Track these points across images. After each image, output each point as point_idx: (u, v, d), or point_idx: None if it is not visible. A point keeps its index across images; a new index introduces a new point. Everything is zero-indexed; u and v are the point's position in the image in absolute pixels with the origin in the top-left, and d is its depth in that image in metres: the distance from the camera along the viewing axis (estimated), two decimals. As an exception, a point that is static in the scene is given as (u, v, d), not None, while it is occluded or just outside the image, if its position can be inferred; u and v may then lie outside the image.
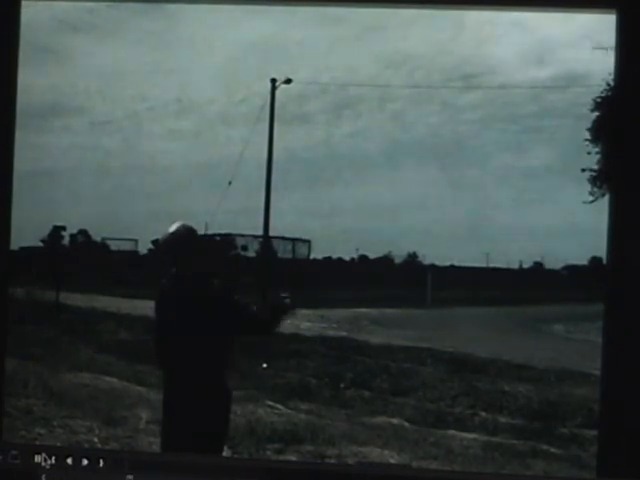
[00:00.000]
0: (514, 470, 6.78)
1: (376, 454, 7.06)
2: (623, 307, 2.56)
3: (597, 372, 2.80)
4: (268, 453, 6.93)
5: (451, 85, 16.07)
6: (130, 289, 14.80)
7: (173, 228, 4.35)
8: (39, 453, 2.46)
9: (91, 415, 7.71)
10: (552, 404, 9.06)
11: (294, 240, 19.26)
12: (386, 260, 20.69)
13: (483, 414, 8.69)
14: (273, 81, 16.46)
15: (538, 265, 20.47)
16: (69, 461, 2.46)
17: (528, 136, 16.25)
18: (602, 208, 2.72)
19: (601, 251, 2.65)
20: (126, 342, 11.16)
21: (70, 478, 2.46)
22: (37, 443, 6.44)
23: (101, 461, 2.45)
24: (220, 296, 4.36)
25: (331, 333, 13.60)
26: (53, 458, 2.46)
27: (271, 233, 17.81)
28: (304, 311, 15.58)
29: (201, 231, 4.55)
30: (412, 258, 20.74)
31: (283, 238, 19.15)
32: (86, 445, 6.76)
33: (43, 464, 2.45)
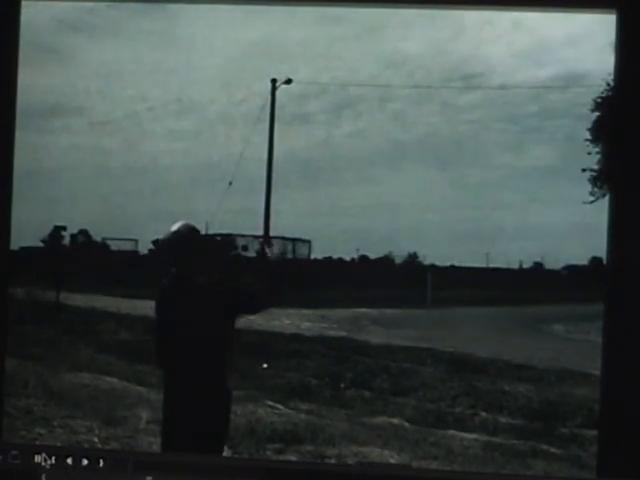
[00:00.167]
0: (514, 470, 6.78)
1: (376, 454, 7.07)
2: (623, 307, 2.56)
3: (597, 372, 2.80)
4: (268, 453, 6.94)
5: (451, 85, 16.05)
6: (130, 289, 14.79)
7: (175, 227, 4.35)
8: (39, 453, 2.46)
9: (91, 415, 7.71)
10: (552, 404, 9.06)
11: (294, 240, 19.25)
12: (386, 260, 20.67)
13: (483, 414, 8.69)
14: (273, 81, 16.46)
15: (538, 265, 20.45)
16: (69, 461, 2.46)
17: (528, 136, 16.23)
18: (602, 208, 2.72)
19: (601, 251, 2.65)
20: (126, 342, 11.16)
21: (70, 478, 2.46)
22: (37, 443, 6.45)
23: (101, 461, 2.45)
24: (220, 295, 4.36)
25: (331, 333, 13.59)
26: (53, 458, 2.46)
27: (271, 233, 17.81)
28: (304, 311, 15.60)
29: (201, 231, 4.54)
30: (412, 258, 20.72)
31: (283, 238, 19.14)
32: (86, 445, 6.77)
33: (43, 464, 2.45)
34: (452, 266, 19.42)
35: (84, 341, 11.27)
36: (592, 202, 3.11)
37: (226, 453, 5.19)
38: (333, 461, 6.72)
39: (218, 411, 4.32)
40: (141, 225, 16.48)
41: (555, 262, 19.43)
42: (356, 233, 17.49)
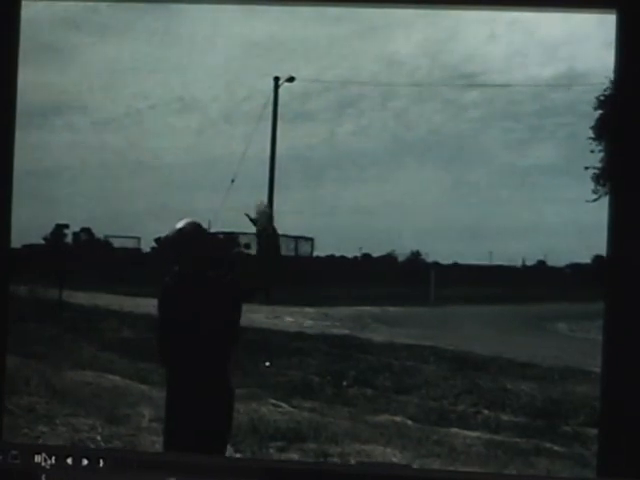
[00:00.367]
0: (517, 468, 6.78)
1: (379, 452, 7.07)
2: (623, 306, 2.56)
3: (600, 370, 2.80)
4: (271, 451, 6.94)
5: (453, 83, 16.06)
6: (133, 287, 14.80)
7: (180, 225, 4.35)
8: (39, 453, 2.46)
9: (94, 413, 7.71)
10: (555, 402, 9.05)
11: (297, 238, 19.26)
12: (389, 258, 20.69)
13: (486, 412, 8.69)
14: (276, 79, 16.48)
15: (541, 263, 20.46)
16: (69, 461, 2.46)
17: (530, 134, 16.23)
18: (605, 206, 2.72)
19: (604, 249, 2.65)
20: (129, 340, 11.17)
21: (70, 478, 2.46)
22: (40, 441, 6.46)
23: (101, 461, 2.45)
24: (223, 294, 4.36)
25: (334, 331, 13.60)
26: (53, 458, 2.46)
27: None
28: (307, 309, 15.61)
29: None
30: (415, 256, 20.74)
31: (286, 236, 19.16)
32: (88, 443, 6.78)
33: (43, 464, 2.45)
34: (455, 264, 19.44)
35: (87, 339, 11.28)
36: (594, 200, 3.10)
37: (229, 451, 5.19)
38: (336, 459, 6.73)
39: (221, 409, 4.31)
40: (143, 223, 16.52)
41: (558, 260, 19.43)
42: (359, 231, 17.52)
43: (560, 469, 6.86)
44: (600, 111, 3.06)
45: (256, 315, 13.01)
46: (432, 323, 15.03)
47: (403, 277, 19.19)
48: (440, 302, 17.60)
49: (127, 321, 12.52)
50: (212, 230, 15.05)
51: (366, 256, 20.66)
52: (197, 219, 4.43)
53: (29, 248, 14.03)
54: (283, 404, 8.58)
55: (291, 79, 16.17)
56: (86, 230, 18.18)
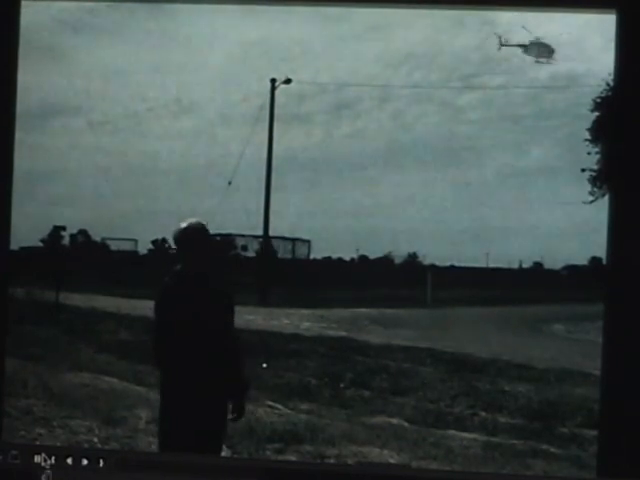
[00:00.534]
0: (514, 470, 6.78)
1: (376, 454, 7.06)
2: (623, 307, 2.56)
3: (597, 372, 2.80)
4: (268, 453, 6.94)
5: (451, 85, 16.06)
6: (130, 289, 14.78)
7: (185, 224, 4.35)
8: (39, 453, 2.46)
9: (91, 415, 7.71)
10: (552, 404, 9.06)
11: (294, 240, 19.25)
12: (386, 260, 20.65)
13: (483, 414, 8.69)
14: (273, 81, 16.47)
15: (538, 265, 20.45)
16: (69, 461, 2.46)
17: (528, 136, 16.21)
18: (602, 208, 2.72)
19: (601, 251, 2.65)
20: (126, 342, 11.16)
21: (70, 478, 2.46)
22: (37, 443, 6.45)
23: (101, 461, 2.45)
24: (222, 299, 4.37)
25: (331, 333, 13.59)
26: (53, 458, 2.46)
27: (271, 233, 17.82)
28: (304, 311, 15.59)
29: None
30: (412, 258, 20.71)
31: (283, 238, 19.15)
32: (86, 445, 6.77)
33: (43, 464, 2.45)
34: (452, 266, 19.42)
35: (84, 341, 11.27)
36: (592, 202, 3.11)
37: (225, 453, 5.19)
38: (333, 461, 6.72)
39: (217, 411, 4.31)
40: (140, 225, 16.48)
41: (555, 262, 19.41)
42: (356, 233, 17.49)
43: (557, 471, 6.86)
44: (597, 113, 3.07)
45: (253, 317, 13.01)
46: (429, 325, 15.02)
47: (400, 279, 19.17)
48: (437, 304, 17.59)
49: (124, 323, 12.50)
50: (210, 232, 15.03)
51: (363, 258, 20.64)
52: (202, 220, 4.45)
53: (26, 250, 14.00)
54: (280, 406, 8.57)
55: (288, 81, 16.17)
56: (83, 232, 18.15)
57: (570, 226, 13.14)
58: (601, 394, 2.63)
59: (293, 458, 6.76)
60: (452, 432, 7.95)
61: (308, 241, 19.01)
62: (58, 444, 6.72)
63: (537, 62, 9.49)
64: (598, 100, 3.13)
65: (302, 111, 18.77)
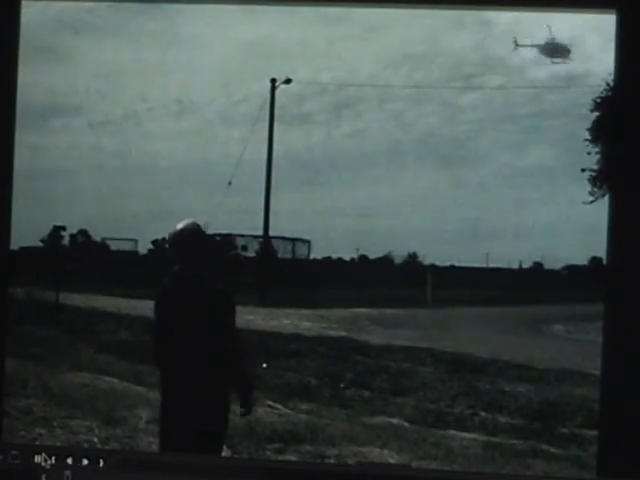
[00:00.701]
0: (514, 470, 6.78)
1: (376, 454, 7.06)
2: (623, 307, 2.56)
3: (597, 372, 2.80)
4: (268, 453, 6.94)
5: (451, 85, 16.05)
6: (130, 289, 14.78)
7: (181, 225, 4.35)
8: (39, 453, 2.46)
9: (91, 415, 7.71)
10: (552, 404, 9.06)
11: (294, 240, 19.25)
12: (386, 260, 20.65)
13: (483, 414, 8.69)
14: (273, 81, 16.47)
15: (538, 265, 20.44)
16: (69, 461, 2.46)
17: (528, 136, 16.20)
18: (602, 208, 2.72)
19: (601, 251, 2.65)
20: (126, 342, 11.16)
21: (70, 478, 2.46)
22: (37, 443, 6.45)
23: (101, 461, 2.45)
24: (221, 299, 4.36)
25: (331, 333, 13.58)
26: (53, 458, 2.46)
27: (271, 233, 17.82)
28: (304, 311, 15.59)
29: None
30: (412, 258, 20.70)
31: (283, 238, 19.15)
32: (86, 445, 6.77)
33: (43, 464, 2.45)
34: (452, 266, 19.42)
35: (84, 341, 11.26)
36: (592, 202, 3.11)
37: (225, 453, 5.19)
38: (333, 461, 6.72)
39: (217, 411, 4.31)
40: (140, 225, 16.47)
41: (555, 262, 19.41)
42: (356, 233, 17.48)
43: (557, 471, 6.86)
44: (597, 113, 3.07)
45: (252, 317, 13.01)
46: (429, 325, 15.01)
47: (400, 279, 19.17)
48: (437, 304, 17.59)
49: (124, 323, 12.50)
50: (209, 232, 15.05)
51: (363, 258, 20.64)
52: (197, 221, 4.44)
53: (26, 250, 13.99)
54: (280, 406, 8.57)
55: (288, 81, 16.17)
56: (83, 232, 18.15)
57: (570, 226, 13.13)
58: (601, 394, 2.63)
59: (293, 458, 6.76)
60: (452, 432, 7.95)
61: (308, 241, 19.02)
62: (58, 444, 6.72)
63: (553, 63, 9.49)
64: (598, 100, 3.13)
65: (302, 111, 18.76)
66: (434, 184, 16.52)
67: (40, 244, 16.05)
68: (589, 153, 3.07)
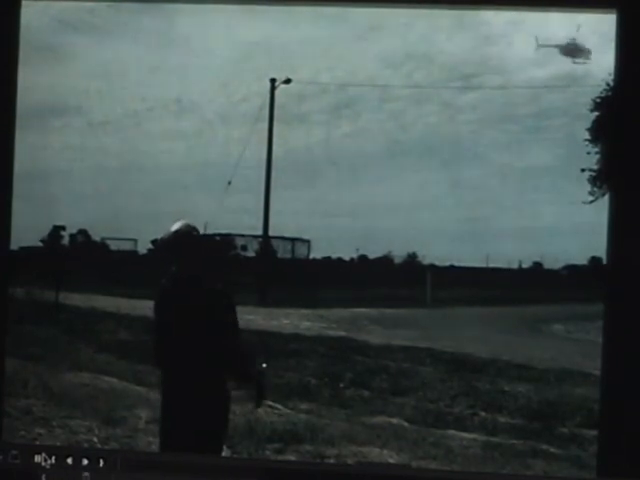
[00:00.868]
0: (514, 470, 6.78)
1: (375, 454, 7.06)
2: (623, 307, 2.56)
3: (597, 372, 2.80)
4: (267, 453, 6.94)
5: (451, 85, 16.07)
6: (129, 289, 14.79)
7: (175, 227, 4.35)
8: (39, 453, 2.46)
9: (91, 415, 7.71)
10: (552, 404, 9.06)
11: (294, 240, 19.28)
12: (386, 260, 20.68)
13: (483, 414, 8.69)
14: (272, 81, 16.49)
15: (538, 265, 20.48)
16: (69, 461, 2.46)
17: (528, 136, 16.22)
18: (602, 208, 2.72)
19: (601, 251, 2.65)
20: (126, 342, 11.16)
21: (70, 478, 2.46)
22: (37, 443, 6.45)
23: (101, 461, 2.45)
24: (219, 299, 4.36)
25: (330, 333, 13.59)
26: (53, 458, 2.46)
27: (270, 233, 17.84)
28: (303, 311, 15.60)
29: (201, 231, 4.55)
30: (412, 258, 20.73)
31: (283, 238, 19.17)
32: (86, 445, 6.77)
33: (43, 464, 2.45)
34: (452, 266, 19.46)
35: (83, 341, 11.27)
36: (591, 202, 3.11)
37: (225, 453, 5.19)
38: (332, 461, 6.72)
39: (217, 411, 4.31)
40: (140, 225, 16.48)
41: (554, 262, 19.44)
42: (355, 233, 17.51)
43: (557, 471, 6.86)
44: (597, 113, 3.07)
45: (252, 317, 13.01)
46: (429, 325, 15.02)
47: (400, 279, 19.18)
48: (437, 304, 17.61)
49: (124, 323, 12.51)
50: (209, 232, 15.06)
51: (363, 258, 20.67)
52: (192, 222, 4.44)
53: (26, 250, 14.00)
54: (280, 406, 8.57)
55: (287, 81, 16.19)
56: (83, 232, 18.16)
57: (570, 226, 13.15)
58: (601, 394, 2.63)
59: (293, 458, 6.76)
60: (452, 432, 7.95)
61: (308, 241, 19.05)
62: (58, 444, 6.72)
63: (574, 63, 9.47)
64: (598, 100, 3.13)
65: (302, 111, 18.79)
66: (434, 184, 16.54)
67: (40, 244, 16.06)
68: (589, 153, 3.07)
